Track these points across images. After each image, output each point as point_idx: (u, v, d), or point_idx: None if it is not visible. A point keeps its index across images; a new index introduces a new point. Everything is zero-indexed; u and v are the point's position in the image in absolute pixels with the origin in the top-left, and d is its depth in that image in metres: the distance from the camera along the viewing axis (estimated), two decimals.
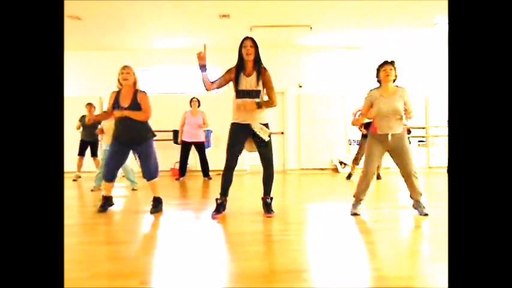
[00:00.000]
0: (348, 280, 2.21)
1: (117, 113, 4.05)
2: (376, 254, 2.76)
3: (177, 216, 4.14)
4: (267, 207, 4.01)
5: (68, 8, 6.22)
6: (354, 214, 3.94)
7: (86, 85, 9.26)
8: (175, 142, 8.42)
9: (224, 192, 4.00)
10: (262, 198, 4.06)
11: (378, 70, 3.99)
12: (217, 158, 8.23)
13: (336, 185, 6.92)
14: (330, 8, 6.67)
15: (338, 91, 9.45)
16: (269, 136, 3.91)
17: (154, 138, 4.33)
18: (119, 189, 6.19)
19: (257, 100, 3.83)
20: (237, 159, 3.98)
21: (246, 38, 3.87)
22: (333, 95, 9.41)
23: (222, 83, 3.96)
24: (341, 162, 9.09)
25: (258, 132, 3.83)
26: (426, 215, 3.85)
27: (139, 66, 9.24)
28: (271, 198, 4.05)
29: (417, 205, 3.99)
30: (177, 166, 8.35)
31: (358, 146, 7.48)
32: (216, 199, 4.03)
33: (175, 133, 8.45)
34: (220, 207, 3.99)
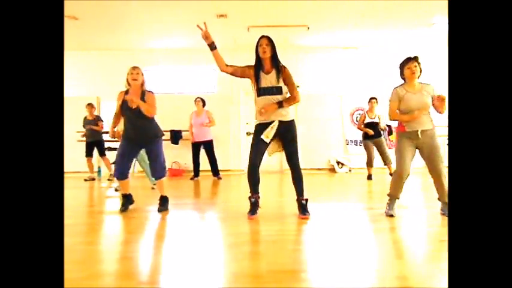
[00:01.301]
0: (347, 280, 2.21)
1: (128, 98, 4.02)
2: (376, 254, 2.76)
3: (177, 216, 4.13)
4: (302, 209, 3.89)
5: (66, 8, 6.20)
6: (390, 216, 3.80)
7: (84, 85, 9.24)
8: (173, 142, 8.42)
9: (255, 189, 3.94)
10: (297, 200, 3.95)
11: (402, 67, 3.85)
12: (217, 158, 8.19)
13: (333, 184, 6.93)
14: (327, 8, 6.67)
15: (336, 91, 9.46)
16: (289, 136, 3.87)
17: (163, 137, 4.41)
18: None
19: (279, 98, 3.79)
20: (261, 157, 3.90)
21: (262, 37, 3.85)
22: (331, 95, 9.42)
23: (238, 71, 3.93)
24: (338, 162, 9.10)
25: (268, 129, 3.78)
26: None
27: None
28: (306, 200, 3.94)
29: (445, 207, 3.66)
30: (175, 166, 8.36)
31: (361, 146, 7.48)
32: (249, 198, 3.96)
33: (173, 133, 8.45)
34: (254, 207, 3.92)
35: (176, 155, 8.55)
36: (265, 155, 3.97)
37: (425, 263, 2.56)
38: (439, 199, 3.79)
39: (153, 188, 6.00)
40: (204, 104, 7.69)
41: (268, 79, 3.82)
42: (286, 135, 3.88)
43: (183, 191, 6.38)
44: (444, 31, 7.85)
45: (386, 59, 9.10)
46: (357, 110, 9.27)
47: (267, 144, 3.87)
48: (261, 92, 3.83)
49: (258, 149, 3.87)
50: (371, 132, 7.01)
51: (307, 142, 9.22)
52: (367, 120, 7.13)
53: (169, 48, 9.15)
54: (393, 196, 3.89)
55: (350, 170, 8.99)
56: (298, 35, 8.26)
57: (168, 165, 8.67)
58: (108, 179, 7.65)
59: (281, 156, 9.37)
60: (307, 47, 9.22)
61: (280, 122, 3.83)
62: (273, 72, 3.82)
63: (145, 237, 3.35)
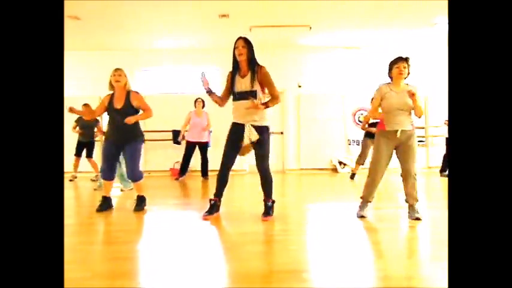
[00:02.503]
0: (348, 280, 2.21)
1: (131, 119, 4.10)
2: (376, 254, 2.76)
3: (177, 216, 4.14)
4: (266, 210, 3.84)
5: (67, 8, 6.21)
6: (361, 217, 3.78)
7: (85, 85, 9.24)
8: (175, 142, 8.41)
9: (219, 192, 3.91)
10: (264, 201, 3.90)
11: (391, 66, 3.80)
12: (217, 158, 8.20)
13: (335, 185, 6.93)
14: (329, 8, 6.66)
15: (338, 91, 9.44)
16: (259, 140, 3.72)
17: (143, 140, 4.42)
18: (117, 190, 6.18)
19: (258, 101, 3.65)
20: (234, 158, 3.87)
21: (238, 38, 3.77)
22: (333, 95, 9.39)
23: (227, 92, 3.92)
24: (340, 162, 9.08)
25: (246, 134, 3.70)
26: (418, 219, 3.65)
27: (138, 66, 9.24)
28: (273, 201, 3.90)
29: (410, 209, 3.77)
30: (177, 166, 8.34)
31: (361, 146, 7.47)
32: (210, 199, 3.94)
33: (175, 133, 8.45)
34: (213, 208, 3.89)
35: (179, 155, 8.54)
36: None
37: (426, 263, 2.56)
38: (406, 201, 3.81)
39: (122, 190, 5.97)
40: (203, 105, 7.70)
41: (244, 83, 3.73)
42: (258, 140, 3.73)
43: (183, 191, 6.38)
44: (446, 31, 7.82)
45: (388, 59, 9.03)
46: (359, 110, 9.24)
47: (239, 147, 3.79)
48: (236, 96, 3.79)
49: (231, 149, 3.86)
50: (374, 130, 6.98)
51: (309, 142, 9.21)
52: (371, 120, 7.11)
53: (171, 49, 9.15)
54: (366, 200, 3.88)
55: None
56: (300, 34, 8.25)
57: (170, 165, 8.72)
58: (92, 180, 7.63)
59: (283, 156, 9.45)
60: (309, 46, 9.20)
61: (252, 126, 3.73)
62: (249, 76, 3.72)
63: (146, 237, 3.35)
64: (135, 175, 4.31)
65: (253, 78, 3.70)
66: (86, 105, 7.75)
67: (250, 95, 3.68)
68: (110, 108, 4.22)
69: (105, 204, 4.38)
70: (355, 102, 9.32)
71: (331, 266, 2.47)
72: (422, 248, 2.97)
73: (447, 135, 7.35)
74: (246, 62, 3.74)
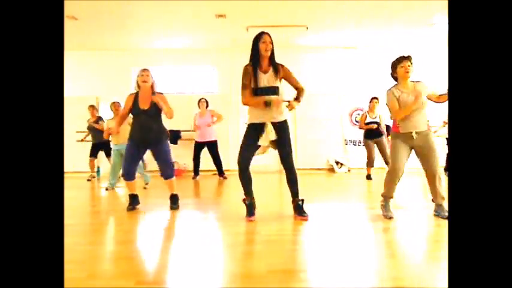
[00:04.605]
0: (346, 280, 2.21)
1: (143, 105, 4.15)
2: (375, 254, 2.77)
3: (177, 216, 4.13)
4: (299, 210, 3.80)
5: (66, 8, 6.19)
6: (389, 218, 3.72)
7: (84, 85, 9.22)
8: (172, 142, 8.41)
9: (248, 192, 3.84)
10: (292, 201, 3.87)
11: (395, 66, 3.72)
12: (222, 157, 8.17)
13: (332, 185, 6.93)
14: (326, 7, 6.67)
15: (335, 91, 9.45)
16: (282, 137, 3.75)
17: (169, 137, 4.48)
18: (120, 189, 6.17)
19: (281, 97, 3.72)
20: (251, 159, 3.80)
21: (264, 33, 3.68)
22: (330, 95, 9.41)
23: (250, 88, 3.74)
24: (337, 162, 9.10)
25: (266, 134, 3.67)
26: (448, 218, 3.64)
27: (136, 66, 9.20)
28: (302, 200, 3.84)
29: (439, 209, 3.75)
30: (177, 166, 8.36)
31: (360, 145, 7.46)
32: (243, 200, 3.88)
33: (173, 133, 8.44)
34: (251, 209, 3.81)
35: (175, 155, 8.50)
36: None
37: (424, 263, 2.57)
38: (433, 200, 3.81)
39: (145, 188, 6.07)
40: (207, 105, 7.74)
41: (266, 78, 3.70)
42: (280, 137, 3.74)
43: (182, 191, 6.36)
44: (444, 31, 7.85)
45: (385, 59, 9.06)
46: (356, 110, 9.26)
47: (257, 145, 3.76)
48: (257, 92, 3.69)
49: (248, 151, 3.78)
50: (374, 126, 6.99)
51: (306, 142, 9.22)
52: (368, 120, 7.12)
53: (169, 48, 9.14)
54: (387, 197, 3.86)
55: (349, 170, 8.98)
56: (297, 35, 8.26)
57: None
58: (88, 179, 7.67)
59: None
60: (306, 46, 9.21)
61: (272, 123, 3.71)
62: (271, 72, 3.71)
63: (145, 237, 3.35)
64: (167, 173, 4.36)
65: (277, 74, 3.72)
66: (92, 106, 7.78)
67: (273, 90, 3.70)
68: (135, 108, 4.20)
69: (134, 202, 4.42)
70: (352, 102, 9.34)
71: (328, 266, 2.47)
72: (422, 247, 2.97)
73: (447, 136, 7.36)
74: (269, 58, 3.73)
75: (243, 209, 3.87)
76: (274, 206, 4.47)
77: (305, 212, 3.78)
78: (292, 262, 2.56)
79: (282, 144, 3.77)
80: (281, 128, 3.76)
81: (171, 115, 4.25)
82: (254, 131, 3.76)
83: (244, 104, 3.85)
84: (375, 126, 6.99)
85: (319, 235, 3.24)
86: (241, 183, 3.85)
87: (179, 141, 8.61)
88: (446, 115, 7.02)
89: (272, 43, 3.69)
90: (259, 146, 3.77)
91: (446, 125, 7.33)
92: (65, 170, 4.31)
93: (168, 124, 8.32)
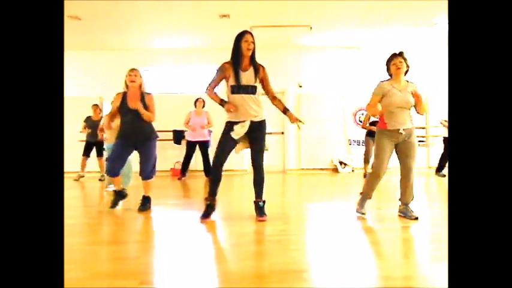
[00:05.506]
0: (348, 280, 2.21)
1: (133, 105, 4.11)
2: (376, 254, 2.76)
3: (177, 216, 4.14)
4: (258, 210, 3.77)
5: (68, 8, 6.21)
6: (362, 214, 3.78)
7: (85, 85, 9.24)
8: (176, 142, 8.42)
9: (214, 192, 3.78)
10: (254, 202, 3.84)
11: (388, 64, 3.83)
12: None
13: (336, 185, 6.92)
14: (330, 7, 6.66)
15: (338, 91, 9.44)
16: (257, 135, 3.75)
17: (157, 139, 4.42)
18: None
19: (253, 98, 3.71)
20: (227, 157, 3.77)
21: (246, 32, 3.72)
22: (333, 95, 9.40)
23: (217, 84, 3.91)
24: (341, 162, 9.08)
25: (242, 126, 3.67)
26: (416, 218, 3.64)
27: (138, 66, 9.18)
28: (264, 201, 3.82)
29: (405, 210, 3.78)
30: (177, 166, 8.34)
31: (363, 145, 7.44)
32: (205, 199, 3.84)
33: (175, 133, 8.45)
34: (209, 210, 3.77)
35: (178, 155, 8.53)
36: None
37: (426, 263, 2.56)
38: (400, 199, 3.83)
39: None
40: (204, 105, 7.72)
41: (245, 77, 3.71)
42: (255, 134, 3.74)
43: (184, 190, 6.38)
44: (446, 31, 7.81)
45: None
46: (360, 110, 9.24)
47: (235, 143, 3.75)
48: (235, 89, 3.71)
49: (225, 147, 3.76)
50: (374, 129, 6.96)
51: (310, 142, 9.20)
52: (372, 119, 7.11)
53: (172, 49, 9.16)
54: (366, 196, 3.85)
55: (353, 170, 8.96)
56: (300, 34, 8.25)
57: (170, 165, 8.73)
58: (100, 179, 7.62)
59: (283, 156, 9.45)
60: (310, 46, 9.20)
61: (251, 121, 3.71)
62: (251, 70, 3.72)
63: (146, 237, 3.35)
64: (147, 173, 4.33)
65: (256, 73, 3.73)
66: (95, 105, 7.80)
67: (252, 89, 3.71)
68: (123, 107, 4.20)
69: (118, 198, 4.41)
70: (356, 102, 9.32)
71: (331, 266, 2.47)
72: (422, 248, 2.96)
73: (445, 135, 7.33)
74: (250, 57, 3.74)
75: (246, 209, 3.87)
76: (278, 206, 4.46)
77: (264, 213, 3.75)
78: (294, 262, 2.55)
79: (255, 142, 3.78)
80: (259, 126, 3.76)
81: (151, 119, 4.24)
82: (231, 129, 3.75)
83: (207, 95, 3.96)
84: (375, 129, 6.96)
85: (322, 235, 3.24)
86: (210, 181, 3.84)
87: (182, 141, 8.61)
88: (446, 115, 7.00)
89: (254, 43, 3.71)
90: (237, 143, 3.77)
91: (445, 125, 7.29)
92: (66, 169, 4.34)
93: (171, 124, 8.45)
